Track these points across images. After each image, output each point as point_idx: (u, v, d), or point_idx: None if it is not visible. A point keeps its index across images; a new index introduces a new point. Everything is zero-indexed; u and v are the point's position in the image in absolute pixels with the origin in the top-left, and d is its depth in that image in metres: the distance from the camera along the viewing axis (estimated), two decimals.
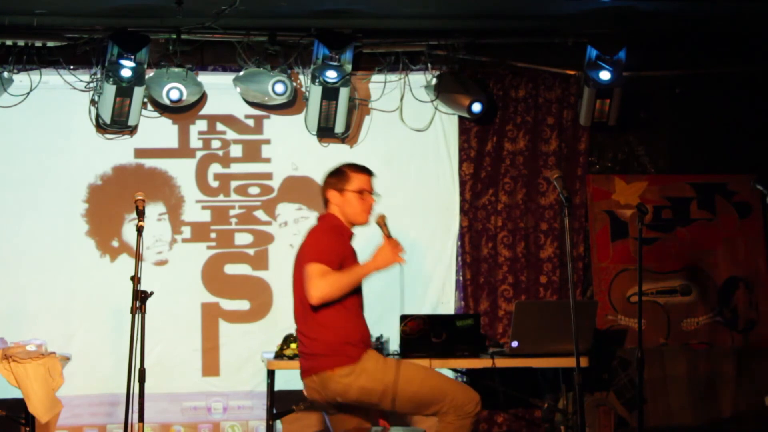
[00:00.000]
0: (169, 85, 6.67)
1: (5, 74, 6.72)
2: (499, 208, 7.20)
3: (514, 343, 6.23)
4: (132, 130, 6.94)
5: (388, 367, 4.91)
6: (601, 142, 7.37)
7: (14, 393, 6.01)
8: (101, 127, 6.91)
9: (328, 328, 4.88)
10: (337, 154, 7.12)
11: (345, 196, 5.01)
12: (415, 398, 4.92)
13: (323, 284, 4.78)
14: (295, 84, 7.01)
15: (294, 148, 7.13)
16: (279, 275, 6.83)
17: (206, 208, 7.12)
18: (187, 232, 7.09)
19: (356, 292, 4.98)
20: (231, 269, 7.08)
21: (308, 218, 7.08)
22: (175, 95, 6.69)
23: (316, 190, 7.02)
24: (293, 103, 7.06)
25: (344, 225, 5.04)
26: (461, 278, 7.16)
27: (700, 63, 7.27)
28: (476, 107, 6.91)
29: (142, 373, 4.86)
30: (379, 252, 4.89)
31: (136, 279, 4.87)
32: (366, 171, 5.07)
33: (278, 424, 6.42)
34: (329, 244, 4.89)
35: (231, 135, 7.14)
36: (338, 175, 5.05)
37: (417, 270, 7.17)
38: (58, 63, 6.80)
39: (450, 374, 7.02)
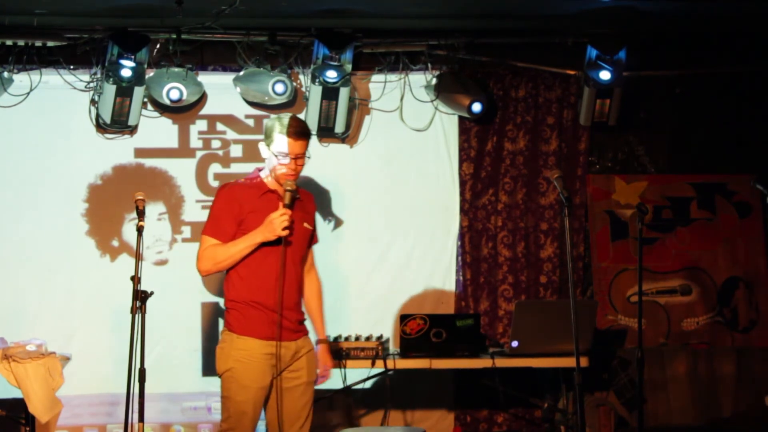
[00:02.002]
0: (169, 85, 6.67)
1: (5, 74, 6.72)
2: (499, 208, 7.20)
3: (514, 343, 6.23)
4: (132, 130, 6.94)
5: (229, 360, 4.79)
6: (601, 142, 7.37)
7: (14, 393, 6.01)
8: (101, 127, 6.91)
9: (227, 287, 4.87)
10: (337, 154, 7.14)
11: (270, 153, 4.83)
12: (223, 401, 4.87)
13: (204, 259, 4.79)
14: (295, 84, 7.01)
15: None
16: None
17: (206, 207, 7.07)
18: (187, 231, 7.09)
19: (269, 260, 4.79)
20: None
21: None
22: (175, 95, 6.69)
23: (316, 189, 7.07)
24: (293, 103, 7.06)
25: (256, 180, 4.88)
26: (461, 278, 7.16)
27: (700, 63, 7.27)
28: (476, 107, 6.91)
29: (142, 373, 4.85)
30: (265, 222, 4.72)
31: (136, 279, 4.87)
32: (293, 134, 4.76)
33: None
34: (220, 212, 4.82)
35: (231, 135, 7.14)
36: (269, 131, 4.83)
37: (417, 270, 7.18)
38: (58, 63, 6.80)
39: (450, 374, 7.06)
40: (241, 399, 4.80)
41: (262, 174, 4.92)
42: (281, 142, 4.78)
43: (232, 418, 4.82)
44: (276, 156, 4.79)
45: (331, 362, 5.17)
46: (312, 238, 5.08)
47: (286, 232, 4.70)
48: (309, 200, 5.06)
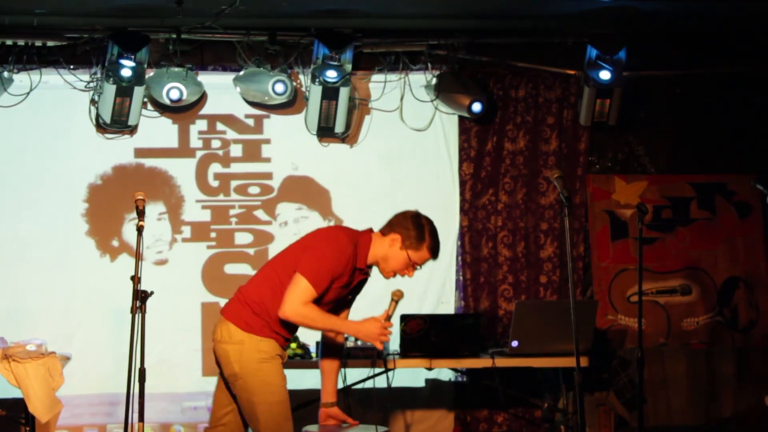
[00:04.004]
0: (169, 84, 6.68)
1: (5, 74, 6.72)
2: (499, 207, 7.20)
3: (514, 343, 6.23)
4: (132, 130, 6.94)
5: (253, 362, 4.81)
6: (601, 142, 7.37)
7: (14, 393, 6.01)
8: (101, 126, 6.91)
9: (264, 295, 4.82)
10: (337, 154, 7.14)
11: (401, 252, 4.86)
12: (252, 409, 4.81)
13: (298, 311, 4.70)
14: (295, 84, 7.01)
15: (294, 147, 7.14)
16: None
17: (206, 207, 7.12)
18: (187, 231, 7.09)
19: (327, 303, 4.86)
20: (231, 269, 7.08)
21: (308, 218, 7.09)
22: (175, 95, 6.69)
23: (316, 189, 7.08)
24: (293, 103, 7.06)
25: (362, 255, 4.85)
26: (461, 278, 7.16)
27: (700, 63, 7.27)
28: (476, 107, 6.91)
29: (142, 373, 4.86)
30: (369, 325, 4.78)
31: (136, 279, 4.87)
32: (434, 255, 4.96)
33: None
34: (330, 265, 4.74)
35: (231, 135, 7.14)
36: (416, 238, 4.86)
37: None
38: (58, 63, 6.80)
39: (450, 374, 7.05)
40: (281, 399, 4.82)
41: (372, 247, 4.88)
42: (424, 256, 4.91)
43: (279, 422, 4.78)
44: (410, 261, 4.88)
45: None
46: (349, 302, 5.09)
47: (381, 347, 4.82)
48: (365, 277, 5.02)
